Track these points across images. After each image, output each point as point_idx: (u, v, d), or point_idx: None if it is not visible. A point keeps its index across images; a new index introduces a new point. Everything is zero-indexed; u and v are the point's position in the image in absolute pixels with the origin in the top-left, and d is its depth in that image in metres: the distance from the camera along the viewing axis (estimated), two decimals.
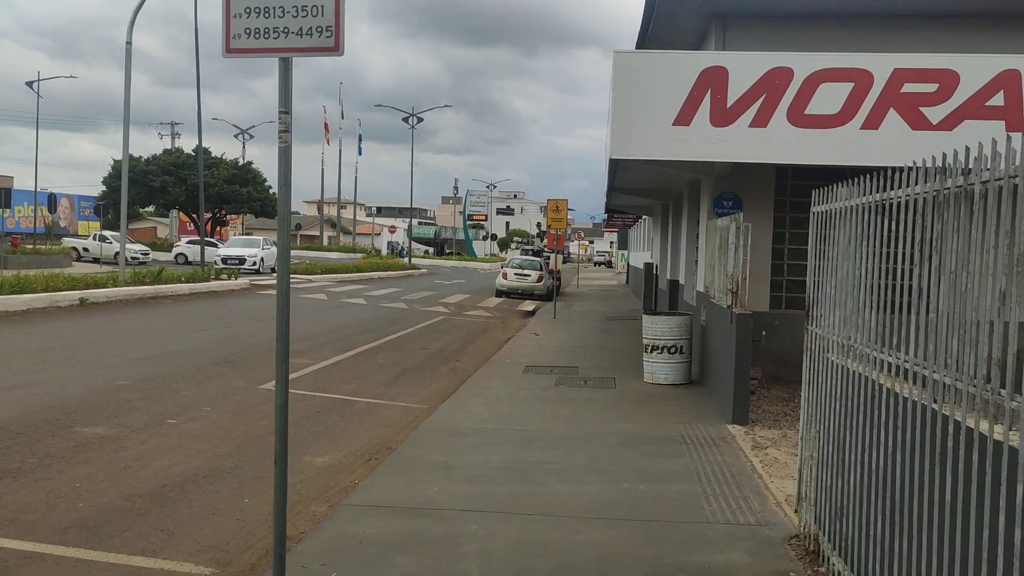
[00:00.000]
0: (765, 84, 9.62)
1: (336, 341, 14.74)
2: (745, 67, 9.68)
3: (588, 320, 20.80)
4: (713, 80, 9.69)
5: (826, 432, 5.02)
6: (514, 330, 18.59)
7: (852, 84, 9.53)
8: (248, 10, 3.99)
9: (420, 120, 52.36)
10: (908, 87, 9.48)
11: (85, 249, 40.94)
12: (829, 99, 9.55)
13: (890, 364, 3.95)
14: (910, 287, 3.93)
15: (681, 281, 14.51)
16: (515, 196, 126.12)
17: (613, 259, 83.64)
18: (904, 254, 4.03)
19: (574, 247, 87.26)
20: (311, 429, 8.06)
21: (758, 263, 10.86)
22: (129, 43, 19.15)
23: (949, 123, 9.47)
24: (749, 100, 9.68)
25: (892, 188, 4.21)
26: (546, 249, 37.19)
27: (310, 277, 31.40)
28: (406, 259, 54.06)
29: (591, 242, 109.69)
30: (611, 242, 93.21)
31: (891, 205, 4.21)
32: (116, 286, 19.09)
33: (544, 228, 50.40)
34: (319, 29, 3.95)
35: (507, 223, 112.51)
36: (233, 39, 4.03)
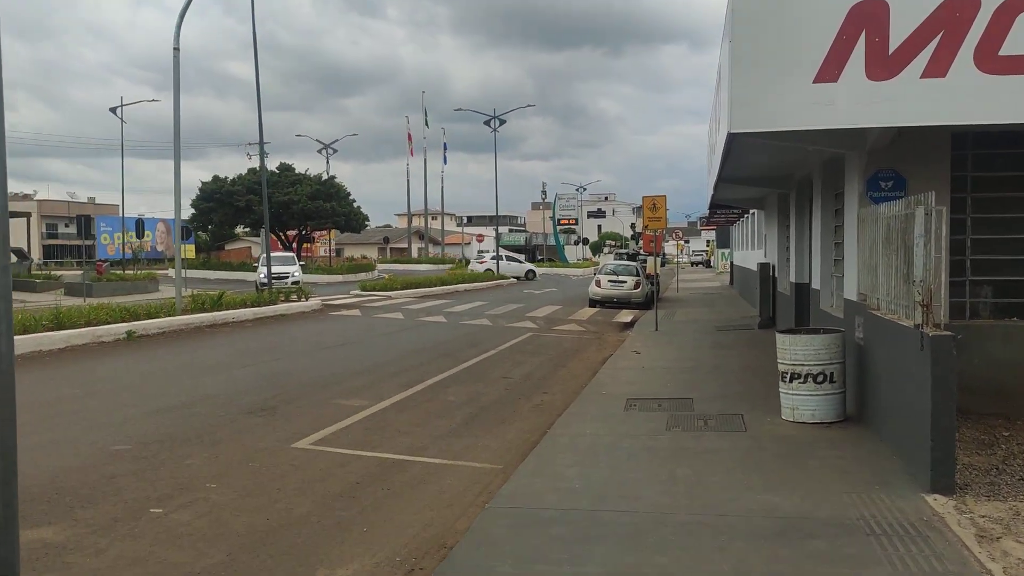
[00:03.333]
0: (942, 17, 7.04)
1: (403, 372, 12.71)
2: None
3: (695, 332, 18.20)
4: (868, 17, 7.17)
5: None
6: (611, 347, 16.21)
7: None
8: None
9: (503, 122, 50.46)
10: None
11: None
12: None
13: None
14: None
15: (814, 286, 11.85)
16: (605, 198, 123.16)
17: (712, 259, 79.79)
18: None
19: (670, 247, 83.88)
20: (341, 515, 5.93)
21: (893, 258, 8.19)
22: (177, 48, 17.81)
23: None
24: (920, 42, 7.11)
25: None
26: (642, 252, 34.57)
27: (388, 294, 29.75)
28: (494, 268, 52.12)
29: (687, 241, 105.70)
30: (708, 240, 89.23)
31: None
32: (172, 315, 17.66)
33: (639, 229, 47.60)
34: None
35: (599, 226, 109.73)
36: None
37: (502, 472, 7.11)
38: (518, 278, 48.23)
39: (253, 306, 20.64)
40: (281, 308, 21.65)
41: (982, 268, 8.68)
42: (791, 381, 8.54)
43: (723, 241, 54.83)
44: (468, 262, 70.71)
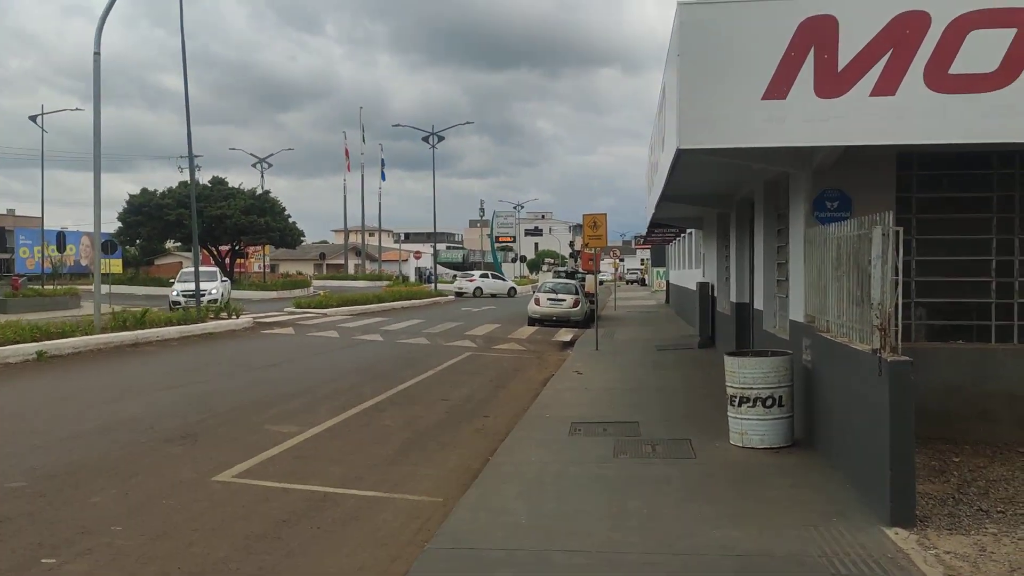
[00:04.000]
0: (892, 34, 6.95)
1: (337, 395, 12.14)
2: (862, 14, 7.03)
3: (635, 351, 18.02)
4: (817, 34, 7.04)
5: None
6: (552, 367, 15.89)
7: (1015, 30, 6.82)
8: None
9: (441, 139, 50.12)
10: None
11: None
12: (982, 52, 6.85)
13: None
14: None
15: (757, 306, 11.74)
16: (543, 216, 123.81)
17: (647, 277, 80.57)
18: None
19: (606, 265, 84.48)
20: (263, 559, 5.39)
21: (845, 279, 8.05)
22: (97, 53, 16.87)
23: None
24: (870, 59, 7.01)
25: None
26: (580, 270, 34.49)
27: (324, 311, 28.96)
28: (431, 285, 51.58)
29: (622, 260, 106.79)
30: (642, 259, 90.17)
31: None
32: (89, 334, 16.65)
33: (577, 247, 47.67)
34: None
35: (536, 244, 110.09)
36: None
37: (442, 505, 6.66)
38: (495, 295, 49.71)
39: (179, 324, 19.71)
40: (209, 326, 20.74)
41: (926, 290, 8.62)
42: (740, 405, 8.31)
43: (658, 260, 55.34)
44: (406, 279, 69.92)
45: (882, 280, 5.83)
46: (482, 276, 52.79)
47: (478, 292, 49.30)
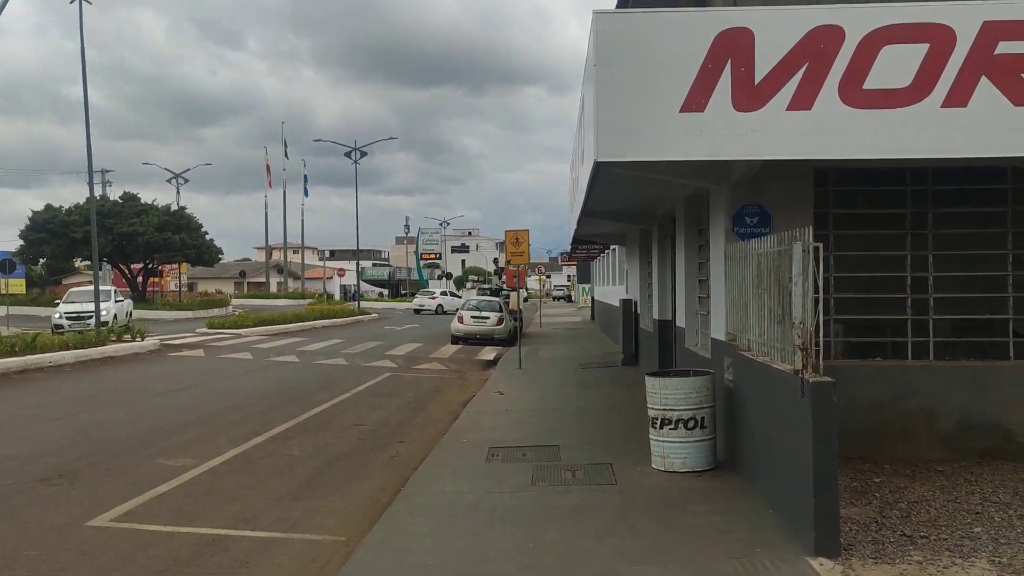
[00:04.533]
0: (806, 50, 6.82)
1: (243, 421, 11.44)
2: (777, 27, 6.90)
3: (559, 370, 17.74)
4: (734, 46, 6.86)
5: None
6: (474, 387, 15.45)
7: (927, 46, 6.77)
8: None
9: (364, 154, 49.37)
10: (1005, 47, 6.74)
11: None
12: (896, 67, 6.78)
13: None
14: None
15: (679, 324, 11.57)
16: (469, 233, 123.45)
17: (574, 293, 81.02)
18: None
19: (532, 282, 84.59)
20: None
21: (766, 297, 7.89)
22: None
23: None
24: (785, 73, 6.87)
25: None
26: (505, 287, 34.20)
27: (238, 331, 27.87)
28: (355, 303, 50.55)
29: (548, 276, 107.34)
30: (569, 276, 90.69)
31: None
32: None
33: (502, 264, 47.50)
34: None
35: (462, 261, 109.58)
36: None
37: (345, 545, 6.14)
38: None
39: (76, 348, 18.53)
40: (110, 349, 19.58)
41: (844, 307, 8.54)
42: (661, 427, 8.03)
43: (584, 276, 55.63)
44: (330, 297, 68.55)
45: (803, 298, 5.62)
46: (442, 294, 53.97)
47: (439, 309, 49.67)
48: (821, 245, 5.69)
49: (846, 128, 6.84)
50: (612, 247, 26.18)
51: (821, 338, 5.66)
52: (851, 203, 8.56)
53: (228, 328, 28.45)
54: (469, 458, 8.93)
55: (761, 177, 8.12)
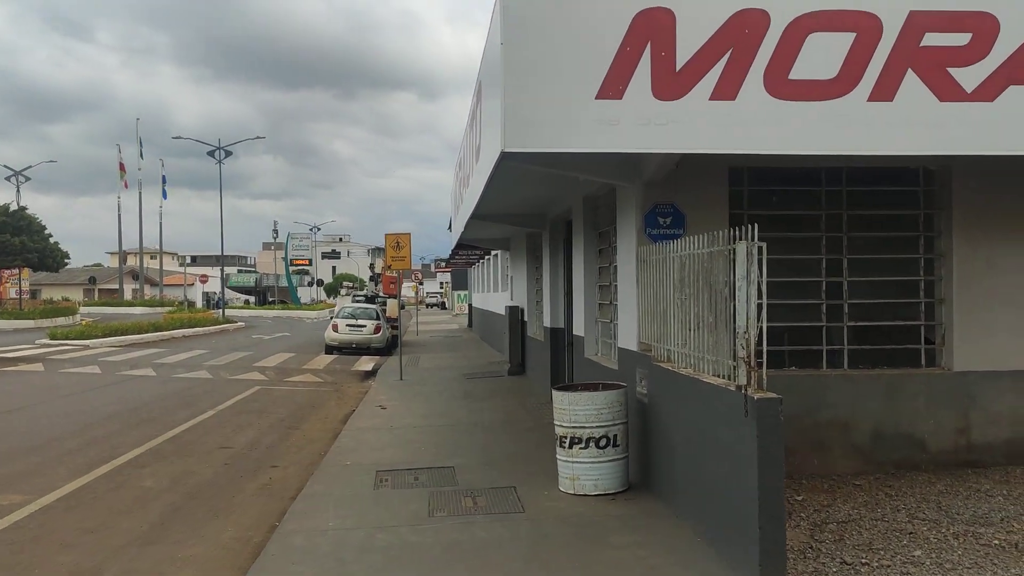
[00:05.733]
0: (731, 33, 6.31)
1: (87, 447, 9.94)
2: (699, 9, 6.35)
3: (443, 380, 16.83)
4: (654, 28, 6.26)
5: None
6: (353, 401, 14.33)
7: (854, 35, 6.39)
8: None
9: (228, 154, 46.72)
10: (931, 39, 6.44)
11: None
12: (822, 57, 6.37)
13: None
14: None
15: (577, 332, 10.92)
16: (340, 239, 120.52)
17: (447, 301, 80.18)
18: None
19: (405, 289, 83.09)
20: None
21: (692, 304, 7.34)
22: None
23: (988, 90, 6.47)
24: (709, 59, 6.32)
25: None
26: (381, 294, 32.95)
27: (86, 342, 25.34)
28: (219, 311, 47.72)
29: (421, 283, 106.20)
30: (442, 283, 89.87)
31: None
32: None
33: (378, 270, 46.00)
34: None
35: (333, 267, 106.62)
36: None
37: None
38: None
39: None
40: None
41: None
42: (571, 446, 7.31)
43: (459, 283, 54.92)
44: (191, 304, 64.70)
45: (747, 304, 5.01)
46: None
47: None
48: (765, 245, 5.11)
49: (772, 121, 6.36)
50: (494, 253, 25.51)
51: (765, 348, 5.07)
52: (766, 203, 8.15)
53: (74, 339, 25.84)
54: (354, 484, 7.93)
55: (675, 175, 7.57)
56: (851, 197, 8.12)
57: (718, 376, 5.61)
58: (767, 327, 5.80)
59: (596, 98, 6.28)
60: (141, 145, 66.23)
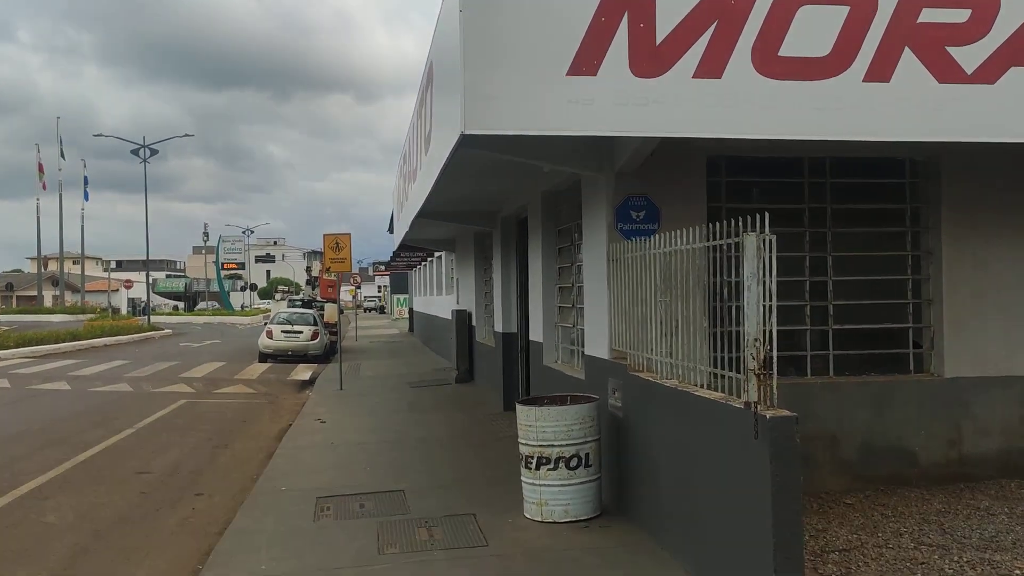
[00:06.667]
0: (716, 5, 5.64)
1: None
2: None
3: (387, 390, 15.86)
4: None
5: None
6: (289, 414, 13.28)
7: (847, 9, 5.79)
8: None
9: (154, 152, 44.66)
10: (928, 14, 5.85)
11: None
12: (814, 33, 5.75)
13: None
14: None
15: (535, 338, 10.13)
16: (275, 243, 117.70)
17: (386, 305, 78.65)
18: None
19: (343, 293, 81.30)
20: None
21: (680, 306, 6.62)
22: None
23: (989, 72, 5.92)
24: (692, 32, 5.64)
25: None
26: (318, 298, 31.65)
27: None
28: (144, 318, 45.58)
29: (358, 287, 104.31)
30: (380, 286, 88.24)
31: None
32: None
33: (315, 273, 44.51)
34: None
35: (268, 271, 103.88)
36: None
37: None
38: None
39: None
40: None
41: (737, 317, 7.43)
42: (538, 467, 6.50)
43: (399, 287, 53.72)
44: (115, 311, 61.88)
45: (757, 306, 4.28)
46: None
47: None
48: (773, 238, 4.39)
49: (762, 102, 5.71)
50: (438, 254, 24.59)
51: (775, 356, 4.35)
52: (745, 197, 7.49)
53: None
54: (291, 516, 6.99)
55: (648, 165, 6.85)
56: (835, 190, 7.52)
57: (714, 391, 4.88)
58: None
59: (567, 74, 5.55)
60: (62, 144, 63.01)
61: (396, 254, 25.43)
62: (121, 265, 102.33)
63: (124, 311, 67.38)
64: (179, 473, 9.10)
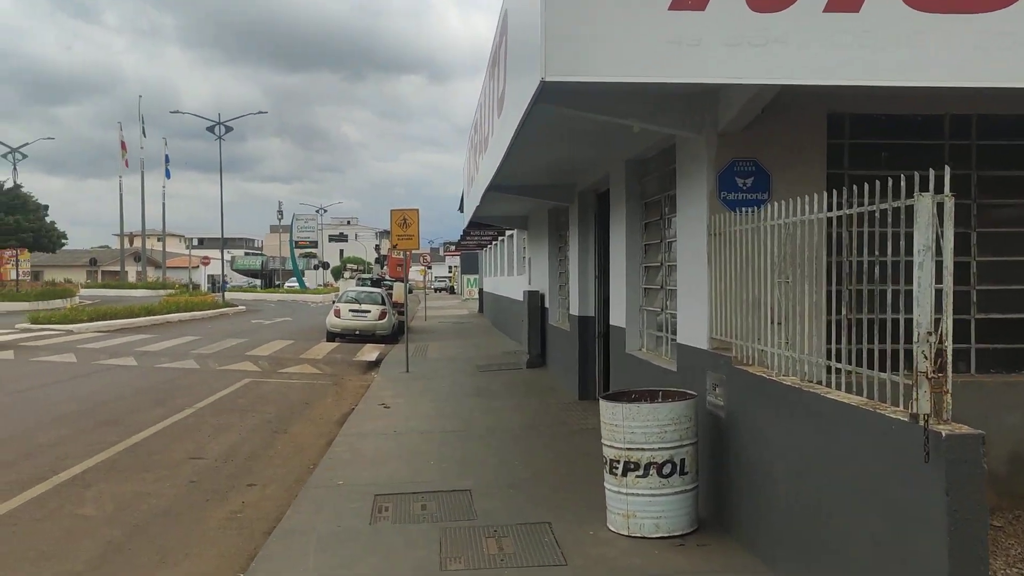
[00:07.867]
0: None
1: (24, 458, 8.28)
2: None
3: (454, 373, 15.14)
4: None
5: None
6: (352, 397, 12.68)
7: None
8: None
9: (229, 129, 44.96)
10: None
11: None
12: None
13: None
14: None
15: (616, 322, 9.19)
16: (348, 222, 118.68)
17: (456, 285, 78.45)
18: None
19: (414, 273, 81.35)
20: None
21: (806, 289, 5.56)
22: None
23: None
24: None
25: None
26: (387, 277, 31.24)
27: (69, 327, 23.71)
28: (220, 295, 46.11)
29: (429, 267, 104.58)
30: (451, 267, 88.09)
31: None
32: None
33: (384, 252, 44.27)
34: None
35: (341, 250, 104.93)
36: None
37: None
38: None
39: None
40: None
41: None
42: (625, 473, 5.60)
43: (469, 267, 53.13)
44: (196, 287, 63.12)
45: (931, 288, 3.28)
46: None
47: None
48: (952, 199, 3.38)
49: (910, 41, 4.62)
50: (509, 233, 23.75)
51: (949, 359, 3.34)
52: (872, 162, 6.36)
53: (56, 323, 24.20)
54: (345, 515, 6.26)
55: (756, 124, 5.83)
56: (982, 153, 6.33)
57: (862, 399, 3.90)
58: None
59: (670, 8, 4.60)
60: (143, 122, 64.37)
61: (466, 232, 24.68)
62: (203, 243, 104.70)
63: (203, 287, 68.70)
64: (233, 460, 8.51)
